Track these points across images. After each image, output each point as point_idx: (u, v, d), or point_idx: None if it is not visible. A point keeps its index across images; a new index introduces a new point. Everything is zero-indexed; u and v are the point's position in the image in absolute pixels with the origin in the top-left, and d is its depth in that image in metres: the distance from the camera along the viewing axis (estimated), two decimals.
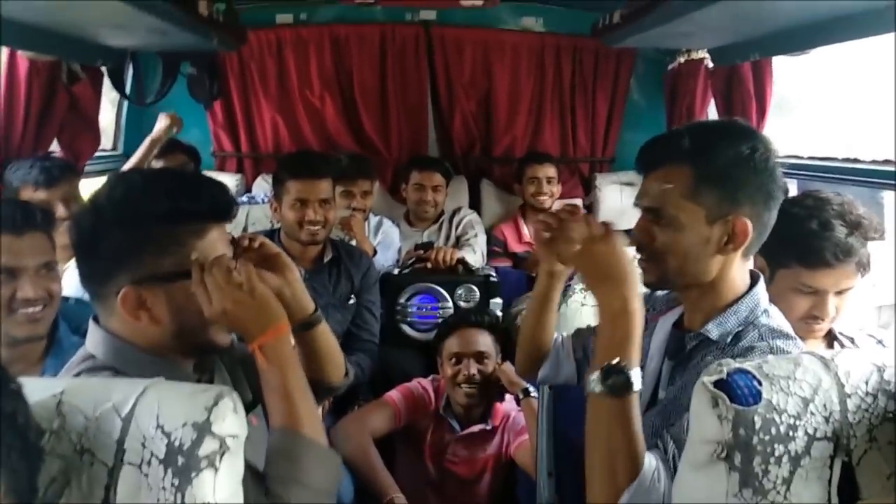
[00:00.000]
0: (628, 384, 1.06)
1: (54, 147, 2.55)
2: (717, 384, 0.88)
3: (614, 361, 1.06)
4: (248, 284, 1.10)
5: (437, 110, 3.73)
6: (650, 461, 1.06)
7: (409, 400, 2.22)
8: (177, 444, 0.86)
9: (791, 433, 0.83)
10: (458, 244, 3.18)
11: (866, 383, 0.87)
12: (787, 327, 1.24)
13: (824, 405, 0.85)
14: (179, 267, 1.08)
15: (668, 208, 1.19)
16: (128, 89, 3.03)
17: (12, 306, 1.44)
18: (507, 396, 2.21)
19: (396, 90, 3.65)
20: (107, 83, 2.76)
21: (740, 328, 1.23)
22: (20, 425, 0.81)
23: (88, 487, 0.86)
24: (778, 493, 0.82)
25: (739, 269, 1.25)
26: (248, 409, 1.33)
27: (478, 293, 2.72)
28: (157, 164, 2.95)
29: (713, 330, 1.23)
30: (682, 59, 3.35)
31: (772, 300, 1.55)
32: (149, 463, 0.86)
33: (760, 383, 0.87)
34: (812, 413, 0.85)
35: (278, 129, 3.65)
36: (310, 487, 1.09)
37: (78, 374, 1.11)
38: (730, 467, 0.84)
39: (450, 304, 2.72)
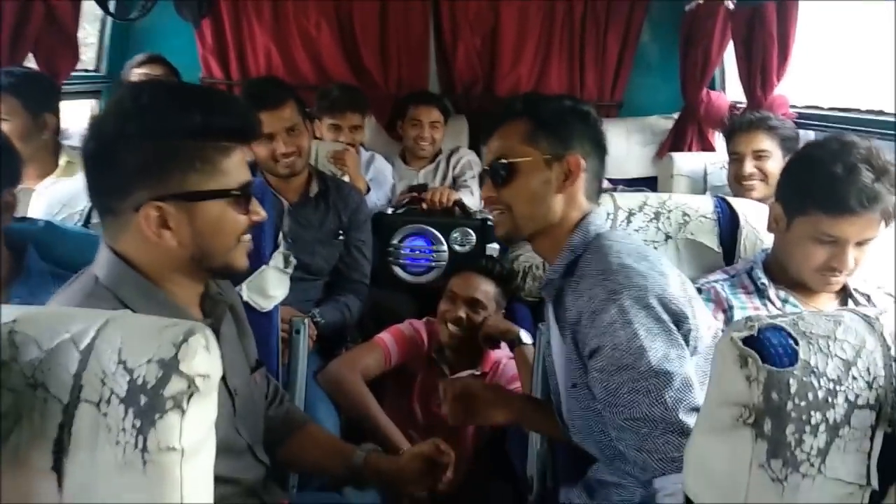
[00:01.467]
0: None
1: (30, 63, 2.40)
2: (747, 342, 0.79)
3: None
4: None
5: (440, 45, 3.56)
6: None
7: (401, 342, 2.14)
8: (140, 381, 0.76)
9: (830, 399, 0.74)
10: (456, 185, 3.05)
11: None
12: (620, 240, 1.29)
13: (868, 369, 0.76)
14: (205, 185, 1.05)
15: (511, 155, 1.31)
16: (111, 4, 2.83)
17: None
18: (502, 344, 2.13)
19: (397, 21, 3.47)
20: None
21: (574, 258, 1.30)
22: None
23: (41, 424, 0.76)
24: (812, 465, 0.73)
25: (579, 207, 1.33)
26: (254, 370, 1.29)
27: (474, 237, 2.61)
28: (139, 71, 2.79)
29: (554, 270, 1.32)
30: (701, 0, 3.18)
31: (788, 250, 1.49)
32: (108, 401, 0.76)
33: (797, 342, 0.77)
34: (854, 378, 0.75)
35: (271, 58, 3.48)
36: None
37: (75, 297, 1.06)
38: (757, 434, 0.75)
39: (444, 247, 2.62)
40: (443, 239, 2.62)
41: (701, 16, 3.15)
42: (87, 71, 3.07)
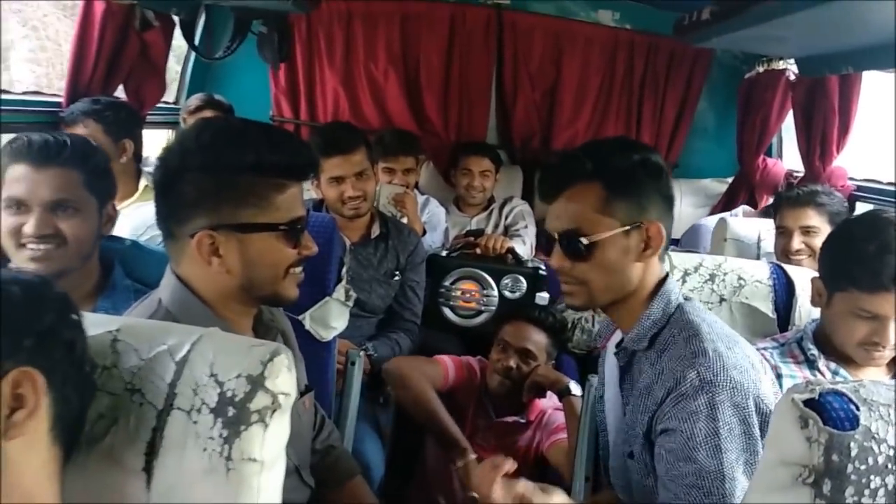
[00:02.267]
0: None
1: (119, 92, 2.57)
2: (808, 404, 0.81)
3: None
4: None
5: (500, 97, 3.67)
6: None
7: (458, 368, 2.18)
8: (229, 394, 0.83)
9: (890, 465, 0.76)
10: (507, 234, 3.11)
11: None
12: (705, 318, 1.25)
13: None
14: (256, 219, 1.10)
15: (587, 226, 1.22)
16: (197, 42, 3.02)
17: (20, 240, 1.39)
18: (549, 393, 2.15)
19: (461, 73, 3.60)
20: (175, 35, 2.76)
21: (657, 330, 1.25)
22: (77, 356, 0.79)
23: (135, 428, 0.83)
24: None
25: (655, 272, 1.29)
26: (302, 394, 1.35)
27: (525, 285, 2.65)
28: (191, 119, 2.94)
29: (631, 341, 1.28)
30: (760, 69, 3.24)
31: (831, 324, 1.50)
32: (199, 410, 0.83)
33: (858, 408, 0.80)
34: None
35: (339, 101, 3.63)
36: None
37: (140, 317, 1.13)
38: (816, 494, 0.77)
39: (495, 292, 2.67)
40: (494, 284, 2.66)
41: (761, 83, 3.19)
42: (167, 103, 3.25)
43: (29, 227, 1.38)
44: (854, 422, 0.78)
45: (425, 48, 3.55)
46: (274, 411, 0.83)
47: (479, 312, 2.68)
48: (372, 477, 1.84)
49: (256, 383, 0.84)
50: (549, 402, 2.18)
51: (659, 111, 3.64)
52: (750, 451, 1.12)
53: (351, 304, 1.75)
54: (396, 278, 2.38)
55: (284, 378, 0.86)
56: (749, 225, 2.78)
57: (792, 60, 2.96)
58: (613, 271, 1.24)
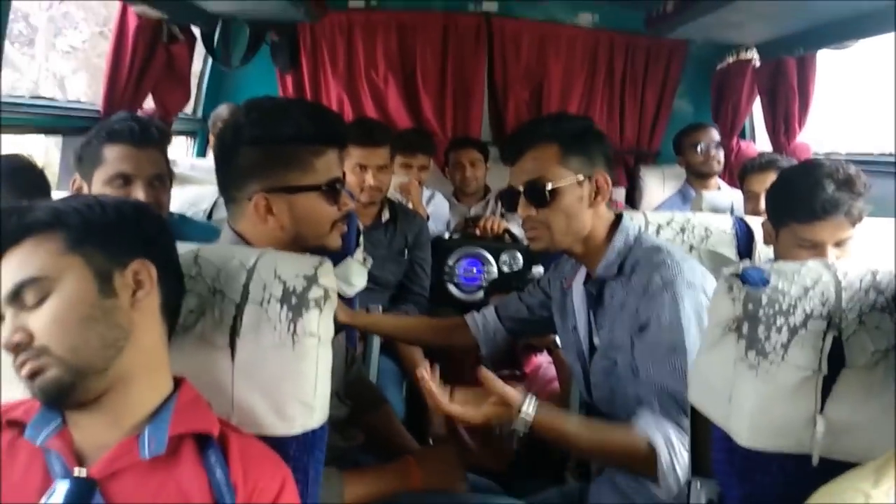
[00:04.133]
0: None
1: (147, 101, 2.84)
2: (733, 275, 1.07)
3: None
4: None
5: (493, 97, 3.94)
6: (659, 444, 1.31)
7: None
8: (291, 288, 1.08)
9: (791, 310, 1.01)
10: (504, 218, 3.37)
11: (860, 281, 1.04)
12: (662, 242, 1.53)
13: (822, 293, 1.03)
14: (300, 181, 1.30)
15: (548, 177, 1.46)
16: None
17: None
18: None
19: (455, 76, 3.86)
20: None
21: (622, 258, 1.50)
22: (174, 258, 1.04)
23: (220, 316, 1.08)
24: (777, 354, 0.99)
25: (604, 216, 1.53)
26: (336, 332, 1.57)
27: (521, 259, 2.91)
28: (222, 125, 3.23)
29: (602, 270, 1.51)
30: (731, 60, 3.52)
31: (778, 257, 1.74)
32: (268, 301, 1.08)
33: (770, 274, 1.05)
34: (811, 298, 1.02)
35: (343, 106, 3.88)
36: None
37: None
38: (738, 336, 1.02)
39: (494, 268, 2.92)
40: (493, 261, 2.92)
41: (731, 73, 3.47)
42: (185, 114, 3.53)
43: (139, 196, 1.61)
44: (766, 282, 1.04)
45: (421, 55, 3.83)
46: (326, 300, 1.09)
47: (481, 287, 2.93)
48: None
49: (311, 280, 1.09)
50: (544, 358, 2.42)
51: (640, 104, 3.91)
52: (702, 333, 1.34)
53: (368, 265, 2.01)
54: (405, 256, 2.64)
55: (331, 278, 1.11)
56: (723, 195, 3.05)
57: (755, 50, 3.24)
58: (571, 215, 1.48)
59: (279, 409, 1.06)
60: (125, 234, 0.96)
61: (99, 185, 1.62)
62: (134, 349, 0.93)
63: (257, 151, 1.28)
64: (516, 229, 3.14)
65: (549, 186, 1.46)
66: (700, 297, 1.39)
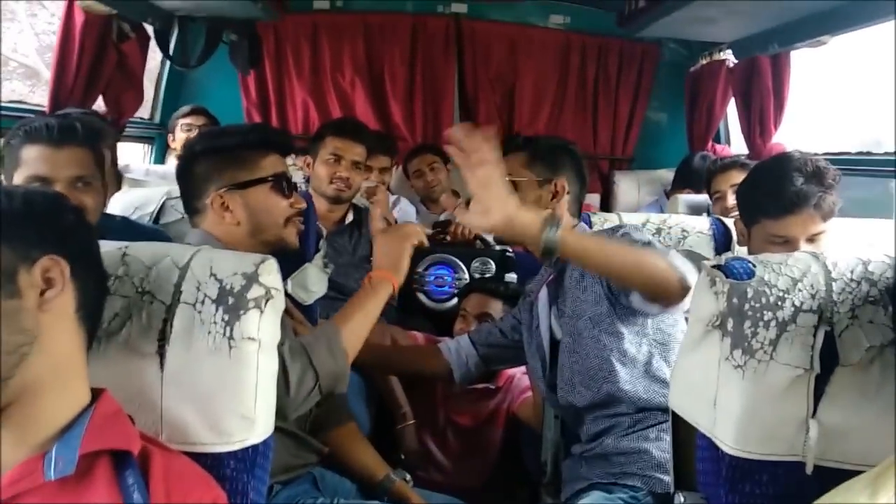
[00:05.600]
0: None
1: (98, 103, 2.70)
2: (715, 267, 0.98)
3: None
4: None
5: (463, 101, 3.86)
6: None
7: (429, 341, 2.31)
8: (228, 287, 0.97)
9: (780, 303, 0.92)
10: None
11: (851, 272, 0.96)
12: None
13: (811, 285, 0.94)
14: (249, 177, 1.43)
15: (512, 174, 1.52)
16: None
17: None
18: None
19: (424, 79, 3.78)
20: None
21: None
22: (94, 255, 0.92)
23: (148, 320, 0.97)
24: (765, 352, 0.90)
25: (564, 220, 1.47)
26: None
27: (493, 266, 2.80)
28: (184, 121, 3.13)
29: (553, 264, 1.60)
30: (704, 61, 3.48)
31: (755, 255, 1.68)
32: (202, 302, 0.96)
33: (755, 265, 0.96)
34: (800, 290, 0.93)
35: (308, 111, 3.79)
36: (314, 366, 1.28)
37: None
38: (723, 333, 0.93)
39: (466, 275, 2.80)
40: (464, 268, 2.81)
41: (704, 75, 3.43)
42: (143, 119, 3.39)
43: None
44: (751, 274, 0.95)
45: (389, 58, 3.74)
46: (268, 300, 0.97)
47: (452, 296, 2.82)
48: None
49: (251, 279, 0.98)
50: (518, 369, 2.32)
51: (613, 108, 3.86)
52: None
53: (329, 271, 1.89)
54: (370, 262, 2.52)
55: (275, 277, 1.00)
56: (698, 199, 2.99)
57: (729, 51, 3.20)
58: None
59: (214, 422, 0.94)
60: (35, 227, 0.84)
61: None
62: (42, 356, 0.81)
63: (210, 160, 1.43)
64: (488, 235, 3.04)
65: (510, 179, 1.45)
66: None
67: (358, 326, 1.40)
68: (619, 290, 1.46)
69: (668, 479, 1.24)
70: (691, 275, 1.27)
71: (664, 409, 1.36)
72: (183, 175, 1.48)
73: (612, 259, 1.30)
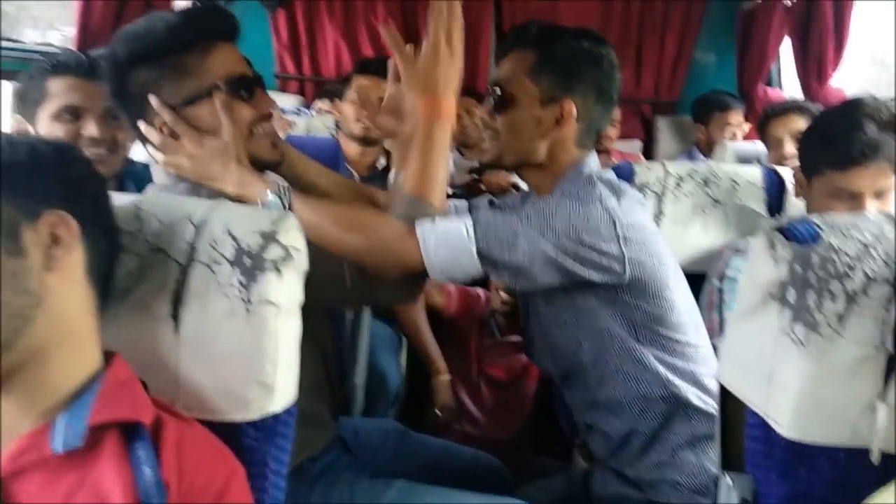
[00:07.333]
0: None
1: None
2: (776, 229, 0.88)
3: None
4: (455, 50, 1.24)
5: (500, 42, 3.69)
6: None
7: (462, 295, 2.27)
8: (245, 247, 0.91)
9: (849, 272, 0.82)
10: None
11: None
12: (613, 180, 1.30)
13: (886, 252, 0.84)
14: (197, 90, 1.12)
15: (510, 85, 1.31)
16: None
17: (78, 145, 1.43)
18: None
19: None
20: None
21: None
22: (104, 210, 0.87)
23: (162, 280, 0.91)
24: (831, 327, 0.81)
25: (570, 154, 1.32)
26: None
27: None
28: None
29: None
30: (758, 0, 3.26)
31: (811, 211, 1.54)
32: (218, 262, 0.90)
33: (821, 228, 0.86)
34: (872, 257, 0.83)
35: (341, 54, 3.68)
36: None
37: None
38: (782, 304, 0.84)
39: None
40: None
41: (758, 14, 3.21)
42: None
43: (91, 130, 1.43)
44: (816, 237, 0.85)
45: None
46: (287, 261, 0.91)
47: None
48: (388, 386, 1.94)
49: (269, 238, 0.91)
50: None
51: (659, 51, 3.67)
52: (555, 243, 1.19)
53: None
54: None
55: (295, 235, 0.93)
56: (749, 147, 2.83)
57: None
58: (521, 134, 1.31)
59: (231, 390, 0.89)
60: (40, 180, 0.79)
61: (45, 123, 1.44)
62: (49, 319, 0.76)
63: (141, 73, 1.11)
64: (522, 182, 2.94)
65: (507, 94, 1.31)
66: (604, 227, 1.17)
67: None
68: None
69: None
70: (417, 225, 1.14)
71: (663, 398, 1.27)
72: (117, 94, 1.14)
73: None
